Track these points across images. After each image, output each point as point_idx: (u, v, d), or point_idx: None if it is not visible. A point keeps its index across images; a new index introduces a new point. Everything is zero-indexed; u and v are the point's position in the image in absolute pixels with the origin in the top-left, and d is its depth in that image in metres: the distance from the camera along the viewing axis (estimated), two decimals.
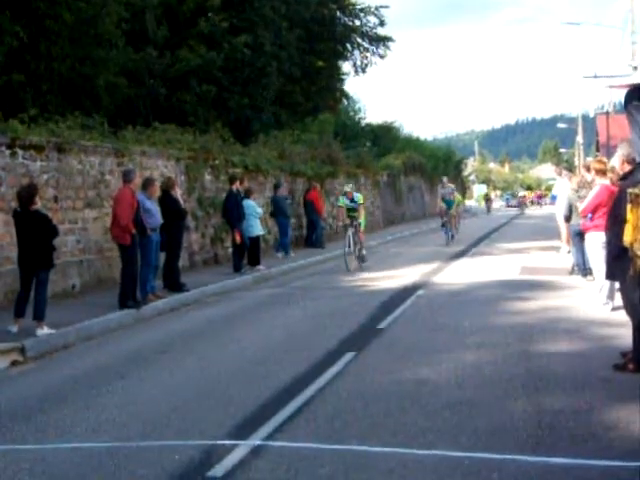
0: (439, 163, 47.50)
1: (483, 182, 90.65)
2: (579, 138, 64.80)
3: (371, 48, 36.59)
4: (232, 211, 15.64)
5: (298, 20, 30.42)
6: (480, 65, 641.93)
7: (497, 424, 5.50)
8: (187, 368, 7.89)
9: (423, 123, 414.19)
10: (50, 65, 17.92)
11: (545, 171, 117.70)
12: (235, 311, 11.78)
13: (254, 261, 16.28)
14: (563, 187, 15.26)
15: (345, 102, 41.17)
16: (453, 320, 9.84)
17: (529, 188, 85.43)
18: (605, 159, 12.94)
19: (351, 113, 41.80)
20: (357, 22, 36.08)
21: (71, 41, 18.41)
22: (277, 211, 19.81)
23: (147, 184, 12.23)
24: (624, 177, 7.68)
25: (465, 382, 6.70)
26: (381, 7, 35.57)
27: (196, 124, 21.83)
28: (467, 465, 4.75)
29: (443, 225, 23.89)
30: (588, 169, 12.00)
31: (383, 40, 36.54)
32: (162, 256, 12.80)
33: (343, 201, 17.25)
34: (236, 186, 16.02)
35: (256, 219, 16.36)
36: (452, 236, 23.88)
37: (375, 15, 35.59)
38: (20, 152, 11.96)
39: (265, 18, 26.78)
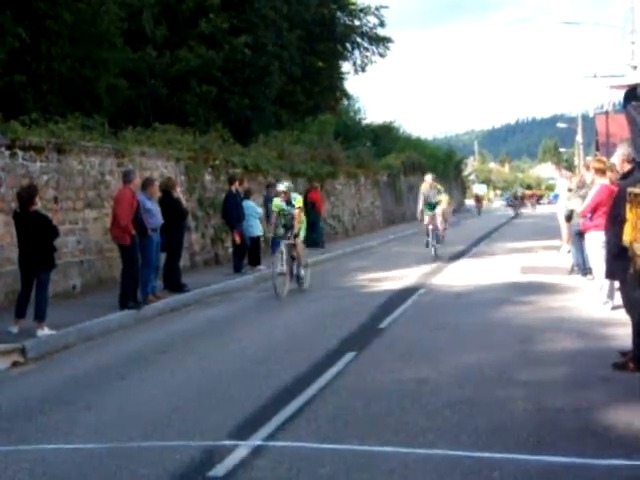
0: (439, 163, 47.46)
1: (483, 182, 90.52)
2: (579, 138, 64.70)
3: (371, 48, 36.65)
4: (231, 212, 15.65)
5: (298, 20, 30.44)
6: (480, 65, 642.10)
7: (498, 423, 5.51)
8: (188, 368, 7.89)
9: (423, 123, 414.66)
10: (50, 65, 17.95)
11: (545, 170, 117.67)
12: (236, 311, 11.79)
13: (255, 261, 16.28)
14: (564, 187, 15.31)
15: (346, 102, 41.19)
16: (453, 319, 9.86)
17: (529, 187, 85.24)
18: (604, 158, 12.96)
19: (351, 113, 41.81)
20: (357, 22, 36.13)
21: (71, 41, 18.46)
22: (270, 211, 19.71)
23: (147, 184, 12.23)
24: (624, 176, 7.70)
25: (465, 381, 6.70)
26: (381, 7, 35.66)
27: (196, 124, 21.85)
28: (468, 464, 4.76)
29: (427, 246, 18.24)
30: (588, 168, 12.01)
31: (383, 41, 36.59)
32: (163, 256, 12.81)
33: (277, 204, 13.31)
34: (235, 187, 16.02)
35: (256, 219, 16.34)
36: (435, 250, 18.02)
37: (375, 15, 35.69)
38: (20, 153, 11.96)
39: (265, 19, 26.80)
